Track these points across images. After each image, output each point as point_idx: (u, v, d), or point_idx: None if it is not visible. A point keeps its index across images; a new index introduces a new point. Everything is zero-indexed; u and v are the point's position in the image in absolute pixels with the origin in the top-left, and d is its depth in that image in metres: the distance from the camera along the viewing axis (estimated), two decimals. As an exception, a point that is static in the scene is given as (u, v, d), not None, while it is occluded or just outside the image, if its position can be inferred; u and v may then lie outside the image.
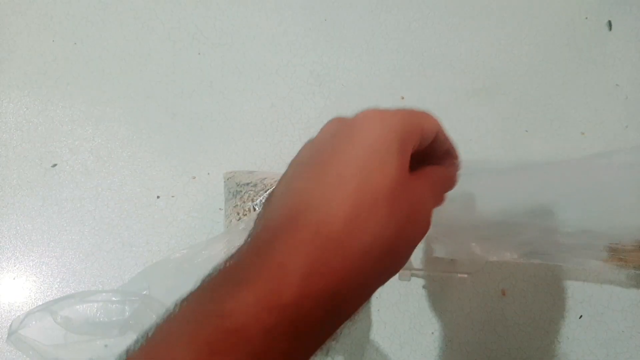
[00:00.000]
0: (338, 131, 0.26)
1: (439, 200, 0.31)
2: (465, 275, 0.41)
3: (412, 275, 0.42)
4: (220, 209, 0.46)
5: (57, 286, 0.44)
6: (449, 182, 0.32)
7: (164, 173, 0.48)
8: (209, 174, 0.48)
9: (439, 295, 0.43)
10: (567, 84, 0.51)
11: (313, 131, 0.51)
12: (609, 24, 0.53)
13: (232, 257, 0.24)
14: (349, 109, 0.52)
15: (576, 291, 0.43)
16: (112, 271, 0.45)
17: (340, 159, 0.25)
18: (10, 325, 0.36)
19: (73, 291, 0.44)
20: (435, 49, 0.53)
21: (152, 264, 0.39)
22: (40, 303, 0.37)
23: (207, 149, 0.49)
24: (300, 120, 0.50)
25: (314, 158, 0.26)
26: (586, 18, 0.54)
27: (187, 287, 0.24)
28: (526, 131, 0.49)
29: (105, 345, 0.39)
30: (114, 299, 0.37)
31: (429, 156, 0.30)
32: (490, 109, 0.50)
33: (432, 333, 0.42)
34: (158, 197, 0.47)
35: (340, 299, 0.23)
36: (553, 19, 0.54)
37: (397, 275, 0.42)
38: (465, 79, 0.52)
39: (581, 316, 0.42)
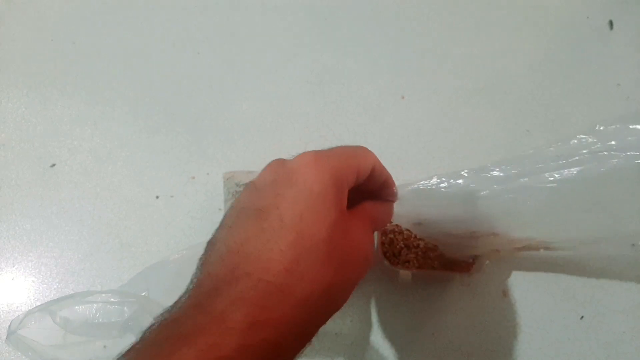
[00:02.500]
0: (277, 176, 0.27)
1: (378, 230, 0.31)
2: (466, 276, 0.41)
3: (413, 275, 0.42)
4: (219, 209, 0.46)
5: (56, 287, 0.44)
6: (386, 216, 0.33)
7: (163, 173, 0.48)
8: (208, 174, 0.48)
9: (439, 295, 0.43)
10: (568, 84, 0.51)
11: (313, 130, 0.51)
12: (610, 23, 0.53)
13: (174, 306, 0.23)
14: (349, 109, 0.53)
15: (577, 292, 0.42)
16: (111, 272, 0.44)
17: (281, 205, 0.25)
18: (10, 325, 0.36)
19: (72, 292, 0.44)
20: (436, 48, 0.53)
21: (151, 264, 0.39)
22: (39, 304, 0.37)
23: (206, 149, 0.49)
24: (300, 120, 0.50)
25: (255, 203, 0.26)
26: (587, 17, 0.54)
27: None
28: (527, 131, 0.49)
29: (105, 346, 0.39)
30: (112, 300, 0.36)
31: (367, 188, 0.31)
32: (490, 108, 0.50)
33: (433, 334, 0.42)
34: (157, 197, 0.47)
35: (282, 346, 0.23)
36: (554, 19, 0.54)
37: (398, 276, 0.42)
38: (466, 79, 0.52)
39: (582, 317, 0.42)
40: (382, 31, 0.54)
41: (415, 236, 0.41)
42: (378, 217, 0.31)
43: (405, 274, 0.41)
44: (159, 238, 0.46)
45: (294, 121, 0.50)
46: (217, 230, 0.26)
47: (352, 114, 0.50)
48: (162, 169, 0.48)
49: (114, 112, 0.51)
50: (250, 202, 0.26)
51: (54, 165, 0.49)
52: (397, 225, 0.42)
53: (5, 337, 0.36)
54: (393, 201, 0.34)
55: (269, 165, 0.28)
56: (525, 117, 0.50)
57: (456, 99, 0.51)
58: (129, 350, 0.22)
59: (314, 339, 0.41)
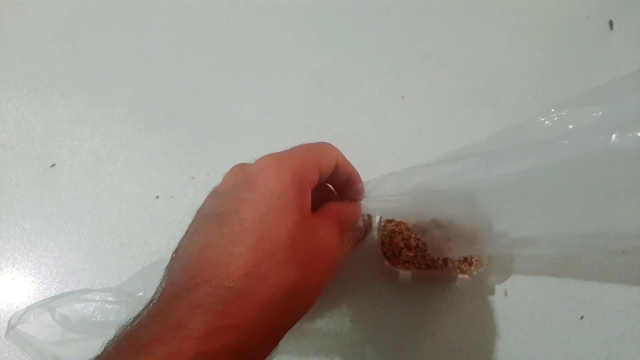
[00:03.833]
0: (238, 180, 0.27)
1: (350, 230, 0.31)
2: (467, 276, 0.41)
3: (413, 275, 0.42)
4: (219, 209, 0.46)
5: (55, 287, 0.44)
6: (353, 216, 0.33)
7: (163, 173, 0.48)
8: (208, 174, 0.48)
9: (439, 295, 0.43)
10: (568, 84, 0.51)
11: (313, 131, 0.51)
12: (610, 23, 0.53)
13: (136, 318, 0.23)
14: (349, 109, 0.53)
15: (578, 292, 0.42)
16: (111, 272, 0.44)
17: (241, 209, 0.25)
18: (9, 320, 0.36)
19: (72, 292, 0.44)
20: (436, 48, 0.53)
21: (149, 264, 0.39)
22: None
23: (206, 148, 0.49)
24: (300, 120, 0.50)
25: (216, 209, 0.26)
26: (587, 17, 0.54)
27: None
28: (527, 131, 0.49)
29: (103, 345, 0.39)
30: (110, 299, 0.37)
31: (332, 184, 0.31)
32: (490, 108, 0.50)
33: (433, 334, 0.42)
34: (157, 197, 0.47)
35: (244, 352, 0.22)
36: (554, 18, 0.54)
37: (398, 276, 0.42)
38: (466, 79, 0.52)
39: (582, 317, 0.42)
40: (382, 31, 0.54)
41: (415, 236, 0.41)
42: (344, 216, 0.31)
43: (405, 274, 0.41)
44: (159, 238, 0.46)
45: (294, 121, 0.50)
46: (182, 238, 0.26)
47: (352, 114, 0.50)
48: (162, 169, 0.48)
49: (114, 112, 0.51)
50: (211, 208, 0.26)
51: (54, 165, 0.49)
52: (397, 225, 0.42)
53: (4, 331, 0.36)
54: (359, 200, 0.33)
55: (230, 170, 0.28)
56: (525, 117, 0.50)
57: (456, 99, 0.51)
58: None
59: (314, 339, 0.41)
